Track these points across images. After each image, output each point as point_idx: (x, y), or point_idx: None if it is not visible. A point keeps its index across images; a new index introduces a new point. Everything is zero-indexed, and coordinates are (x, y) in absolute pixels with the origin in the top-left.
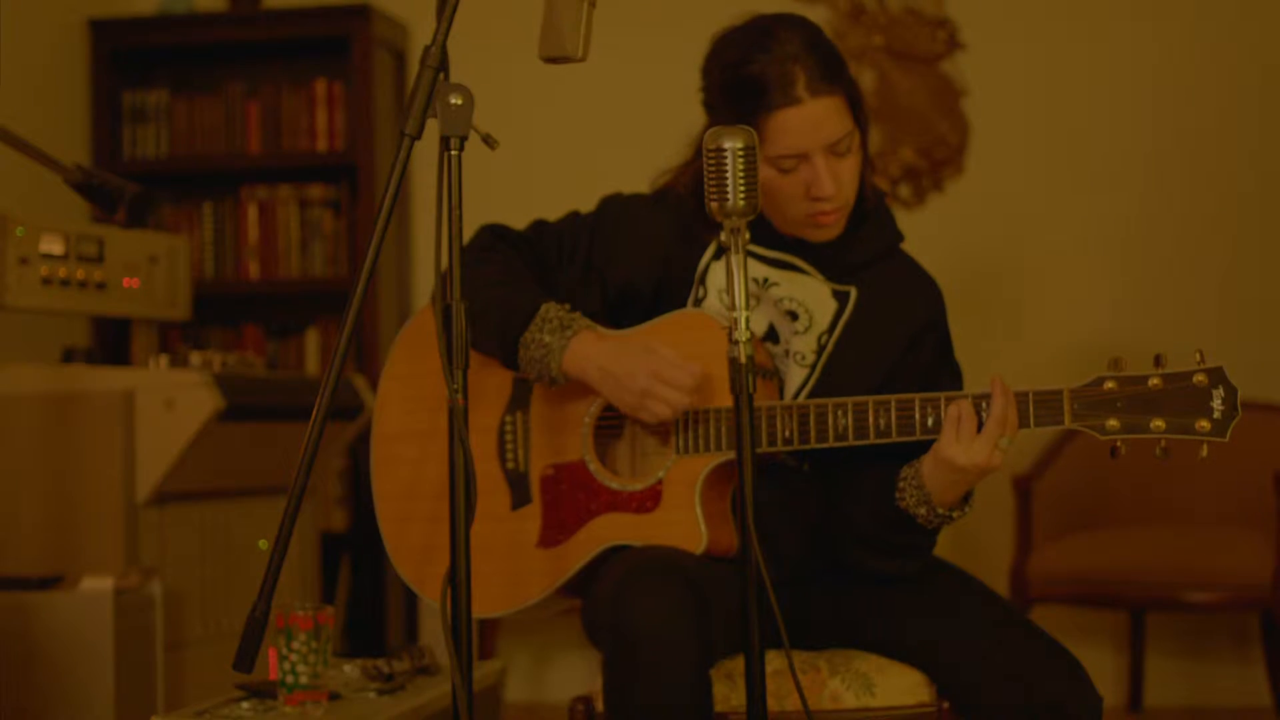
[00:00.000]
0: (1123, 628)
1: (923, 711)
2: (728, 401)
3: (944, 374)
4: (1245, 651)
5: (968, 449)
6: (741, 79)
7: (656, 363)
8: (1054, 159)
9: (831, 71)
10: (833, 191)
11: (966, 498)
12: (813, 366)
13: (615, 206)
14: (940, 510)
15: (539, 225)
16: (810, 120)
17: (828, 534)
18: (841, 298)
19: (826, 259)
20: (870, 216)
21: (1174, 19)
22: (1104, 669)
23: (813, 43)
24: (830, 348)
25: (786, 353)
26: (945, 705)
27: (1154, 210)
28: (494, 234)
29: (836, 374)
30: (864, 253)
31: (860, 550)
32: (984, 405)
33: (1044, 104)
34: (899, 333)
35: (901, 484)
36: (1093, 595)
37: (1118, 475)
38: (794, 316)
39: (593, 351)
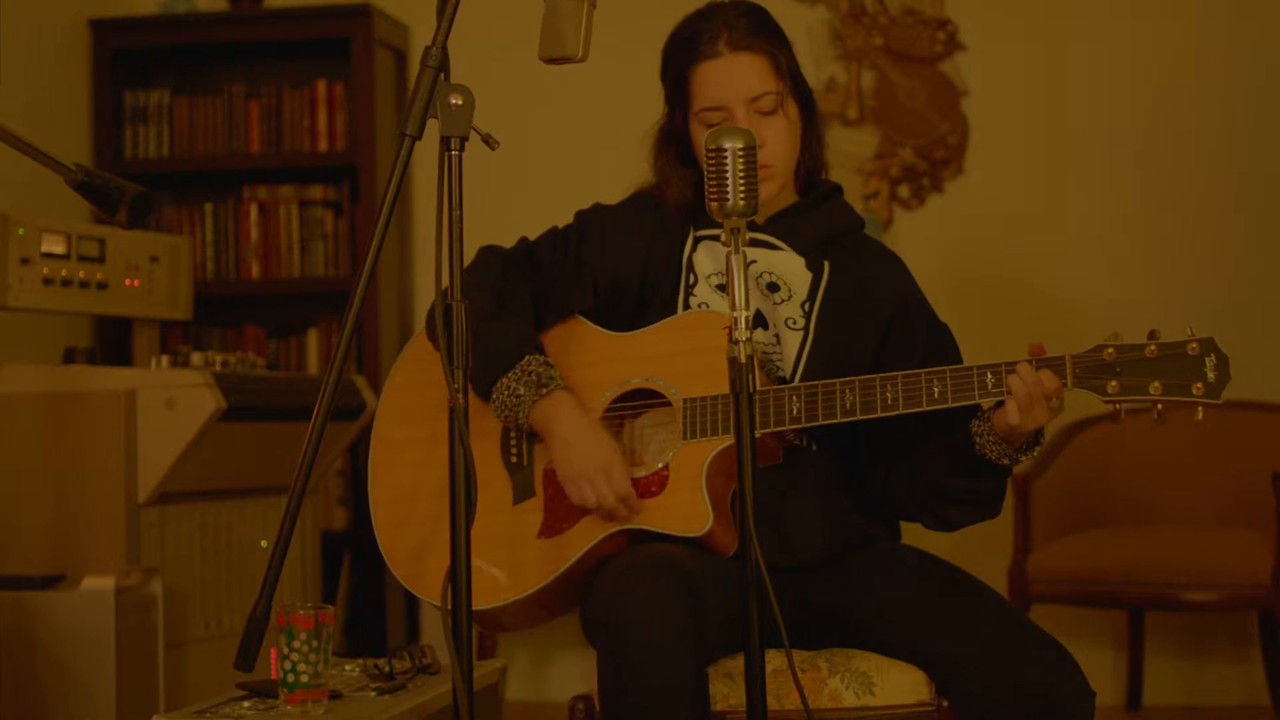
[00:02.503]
0: (1122, 627)
1: (922, 710)
2: None
3: (942, 341)
4: (1244, 650)
5: (1030, 415)
6: (678, 40)
7: (611, 462)
8: (1053, 159)
9: (758, 34)
10: None
11: (1039, 434)
12: (805, 330)
13: (592, 214)
14: (1020, 459)
15: (525, 242)
16: (728, 72)
17: (886, 500)
18: (816, 269)
19: (797, 236)
20: (829, 199)
21: (1173, 19)
22: (1103, 668)
23: (747, 12)
24: (816, 311)
25: (777, 338)
26: (945, 703)
27: (1153, 211)
28: (495, 257)
29: (829, 334)
30: (828, 228)
31: (944, 507)
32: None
33: (1044, 104)
34: (879, 297)
35: (979, 440)
36: (1092, 595)
37: (1117, 475)
38: (774, 288)
39: (561, 414)
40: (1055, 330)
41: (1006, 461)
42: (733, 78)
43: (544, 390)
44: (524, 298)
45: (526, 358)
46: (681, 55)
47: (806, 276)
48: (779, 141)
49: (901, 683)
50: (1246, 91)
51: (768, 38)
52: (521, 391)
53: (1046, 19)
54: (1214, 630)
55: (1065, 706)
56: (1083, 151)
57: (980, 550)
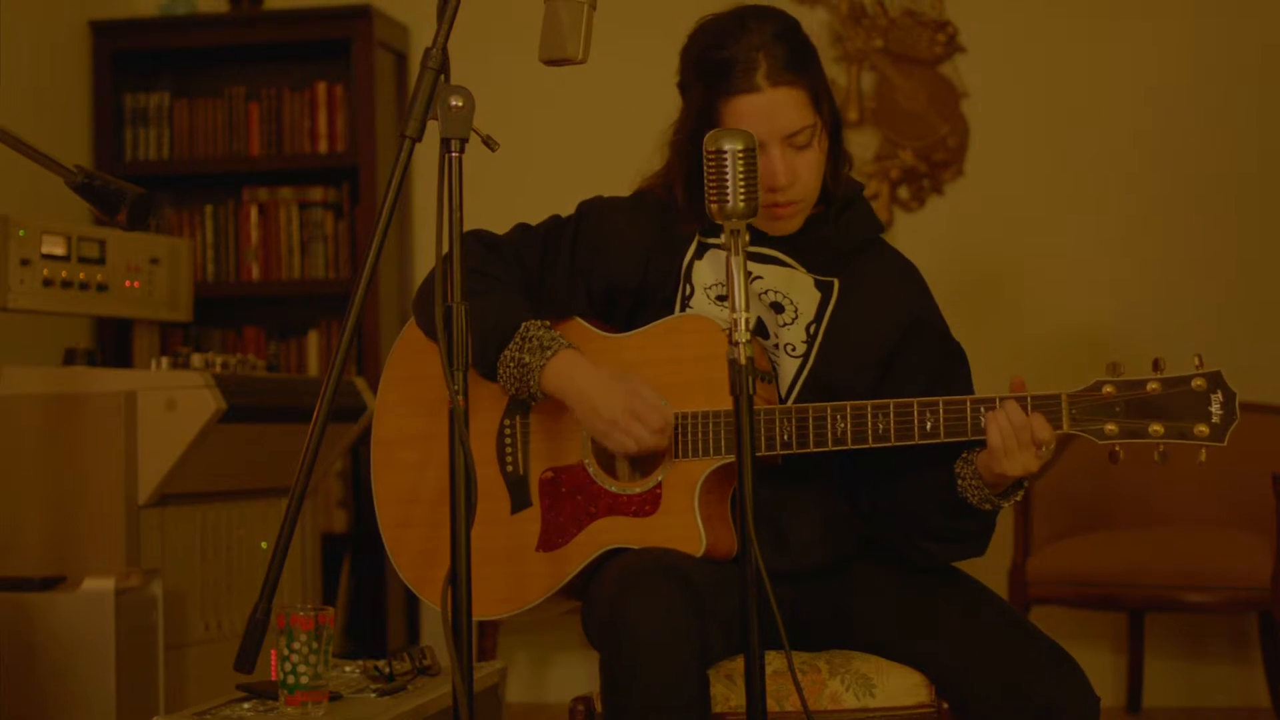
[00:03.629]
0: (1122, 629)
1: (922, 712)
2: (726, 404)
3: (952, 367)
4: (1243, 652)
5: (1015, 461)
6: (710, 62)
7: (633, 399)
8: (1054, 161)
9: (796, 63)
10: (785, 183)
11: (1022, 479)
12: (804, 356)
13: (594, 209)
14: (1002, 504)
15: (522, 229)
16: (766, 109)
17: (876, 528)
18: (825, 288)
19: (808, 251)
20: (849, 208)
21: (1173, 20)
22: (1103, 670)
23: (782, 34)
24: (820, 337)
25: (776, 346)
26: (945, 706)
27: (1154, 212)
28: (480, 241)
29: (829, 363)
30: (845, 243)
31: (929, 543)
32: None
33: (1044, 106)
34: (888, 321)
35: (961, 483)
36: (1092, 597)
37: (1117, 477)
38: (779, 309)
39: (573, 372)
40: (1056, 332)
41: (989, 506)
42: (771, 116)
43: (549, 353)
44: (507, 275)
45: (524, 324)
46: (713, 81)
47: (815, 296)
48: (810, 175)
49: (901, 684)
50: (1248, 92)
51: (806, 66)
52: (527, 359)
53: (1046, 21)
54: (1214, 632)
55: (1068, 712)
56: (1083, 153)
57: None
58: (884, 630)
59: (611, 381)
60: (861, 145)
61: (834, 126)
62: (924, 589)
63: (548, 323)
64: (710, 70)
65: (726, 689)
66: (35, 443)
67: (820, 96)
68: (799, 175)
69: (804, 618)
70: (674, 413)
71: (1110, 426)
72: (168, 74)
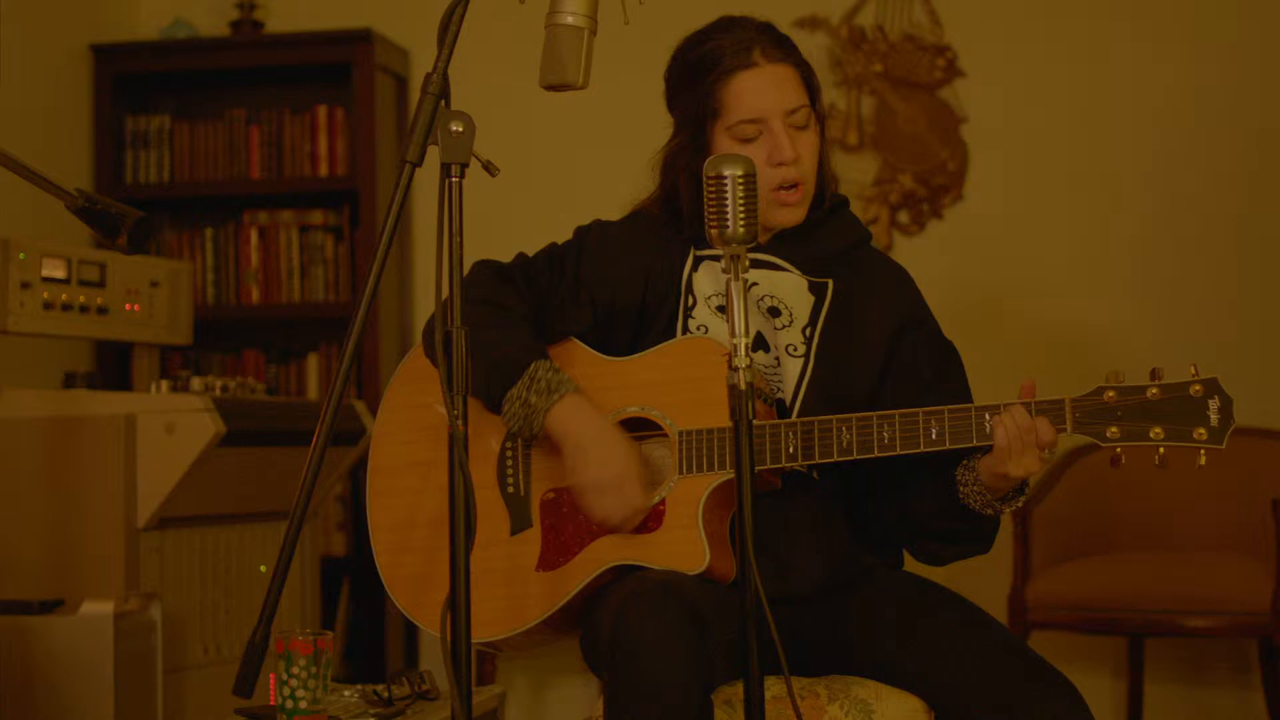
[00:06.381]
0: (1121, 654)
1: None
2: (729, 423)
3: (948, 363)
4: (1244, 678)
5: (1019, 462)
6: (701, 55)
7: (624, 474)
8: (1053, 185)
9: (786, 45)
10: (793, 156)
11: (1023, 485)
12: (806, 355)
13: (592, 232)
14: (1004, 509)
15: (522, 257)
16: (767, 82)
17: (881, 533)
18: (819, 290)
19: (801, 254)
20: (836, 213)
21: (1173, 42)
22: (1103, 695)
23: (766, 28)
24: (817, 338)
25: (778, 361)
26: None
27: (1154, 235)
28: (492, 271)
29: (829, 364)
30: (835, 244)
31: (934, 544)
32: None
33: (1043, 130)
34: (883, 320)
35: (963, 489)
36: (1091, 621)
37: (1116, 501)
38: (775, 313)
39: (576, 422)
40: (1056, 356)
41: (990, 512)
42: (772, 88)
43: (555, 396)
44: (520, 307)
45: (533, 365)
46: (709, 70)
47: (809, 299)
48: (812, 157)
49: (900, 710)
50: (1248, 115)
51: (795, 51)
52: (534, 401)
53: (1046, 45)
54: (1214, 657)
55: None
56: (1082, 177)
57: (979, 577)
58: (882, 653)
59: (609, 445)
60: (861, 170)
61: (821, 120)
62: (922, 612)
63: (555, 365)
64: (701, 64)
65: (726, 715)
66: (34, 465)
67: (811, 81)
68: (800, 155)
69: (803, 642)
70: (679, 430)
71: (1112, 429)
72: (168, 97)
